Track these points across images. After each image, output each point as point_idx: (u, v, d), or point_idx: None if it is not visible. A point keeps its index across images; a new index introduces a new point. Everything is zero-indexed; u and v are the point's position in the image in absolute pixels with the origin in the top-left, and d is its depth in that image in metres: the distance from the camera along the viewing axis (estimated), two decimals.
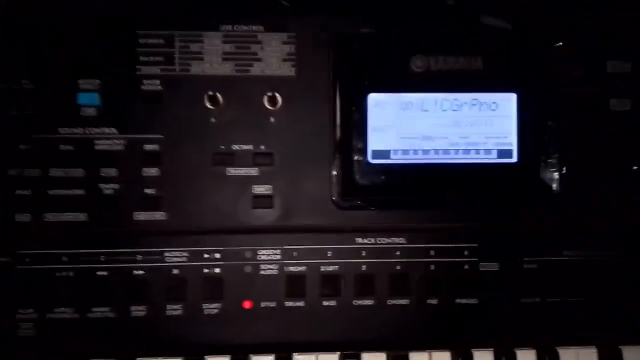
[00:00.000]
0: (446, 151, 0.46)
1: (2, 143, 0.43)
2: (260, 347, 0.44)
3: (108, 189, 0.43)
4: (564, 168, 0.46)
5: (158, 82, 0.43)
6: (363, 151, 0.46)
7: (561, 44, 0.46)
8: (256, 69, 0.44)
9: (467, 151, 0.47)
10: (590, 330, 0.46)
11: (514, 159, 0.46)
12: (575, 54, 0.46)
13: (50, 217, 0.43)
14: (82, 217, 0.43)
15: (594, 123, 0.46)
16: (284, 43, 0.44)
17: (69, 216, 0.43)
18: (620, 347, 0.46)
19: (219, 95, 0.43)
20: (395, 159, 0.46)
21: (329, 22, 0.45)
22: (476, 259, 0.45)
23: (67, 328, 0.43)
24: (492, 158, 0.47)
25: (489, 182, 0.46)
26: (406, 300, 0.45)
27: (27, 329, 0.43)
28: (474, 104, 0.47)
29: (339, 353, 0.44)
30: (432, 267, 0.45)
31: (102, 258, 0.44)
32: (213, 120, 0.44)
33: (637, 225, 0.46)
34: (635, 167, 0.45)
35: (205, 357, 0.43)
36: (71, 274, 0.43)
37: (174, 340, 0.44)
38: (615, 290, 0.46)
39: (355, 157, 0.46)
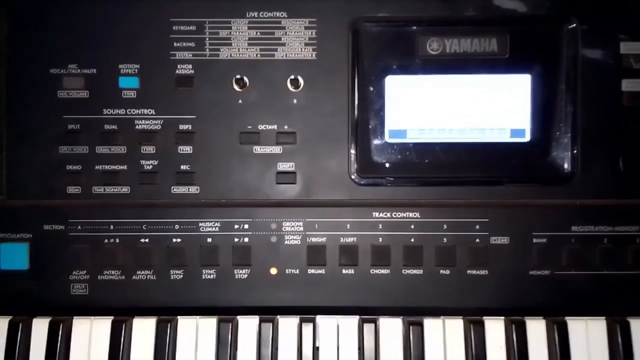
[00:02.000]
0: (461, 130, 0.48)
1: (54, 123, 0.47)
2: (286, 310, 0.48)
3: (148, 164, 0.47)
4: (575, 148, 0.47)
5: (190, 66, 0.47)
6: (381, 130, 0.48)
7: (575, 25, 0.46)
8: (280, 53, 0.47)
9: (481, 130, 0.49)
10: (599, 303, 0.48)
11: (527, 139, 0.48)
12: (588, 35, 0.46)
13: (97, 189, 0.48)
14: (125, 189, 0.47)
15: (605, 104, 0.47)
16: (306, 28, 0.47)
17: (113, 189, 0.48)
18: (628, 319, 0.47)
19: (245, 78, 0.47)
20: (412, 137, 0.48)
21: (347, 7, 0.47)
22: (487, 233, 0.47)
23: (114, 288, 0.48)
24: (505, 137, 0.48)
25: (502, 161, 0.48)
26: (420, 271, 0.48)
27: (80, 289, 0.48)
28: (489, 85, 0.48)
29: (358, 317, 0.48)
30: (445, 240, 0.48)
31: (144, 227, 0.48)
32: (240, 101, 0.47)
33: None
34: None
35: (238, 317, 0.48)
36: (117, 240, 0.48)
37: (208, 302, 0.48)
38: (623, 265, 0.47)
39: (373, 137, 0.48)
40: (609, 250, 0.47)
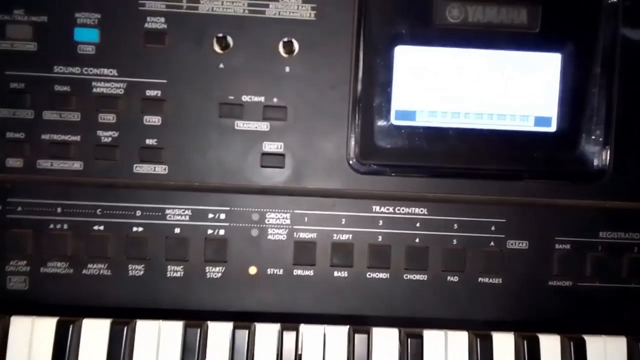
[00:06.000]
0: (478, 115, 0.43)
1: None
2: (265, 316, 0.42)
3: (106, 136, 0.41)
4: (608, 142, 0.42)
5: (163, 19, 0.41)
6: (386, 110, 0.42)
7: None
8: (272, 10, 0.41)
9: (501, 116, 0.43)
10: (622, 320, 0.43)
11: (553, 128, 0.43)
12: (631, 11, 0.41)
13: (43, 163, 0.41)
14: (77, 165, 0.41)
15: None
16: None
17: (63, 164, 0.41)
18: None
19: (229, 37, 0.41)
20: (421, 121, 0.43)
21: None
22: (503, 236, 0.42)
23: (60, 283, 0.41)
24: (529, 125, 0.43)
25: (524, 152, 0.43)
26: (424, 276, 0.42)
27: (18, 282, 0.41)
28: (514, 64, 0.42)
29: (348, 326, 0.42)
30: (455, 241, 0.42)
31: (99, 211, 0.41)
32: (222, 66, 0.41)
33: None
34: None
35: (208, 322, 0.42)
36: (65, 226, 0.41)
37: (173, 303, 0.42)
38: None
39: (377, 117, 0.42)
40: (639, 261, 0.42)
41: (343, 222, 0.42)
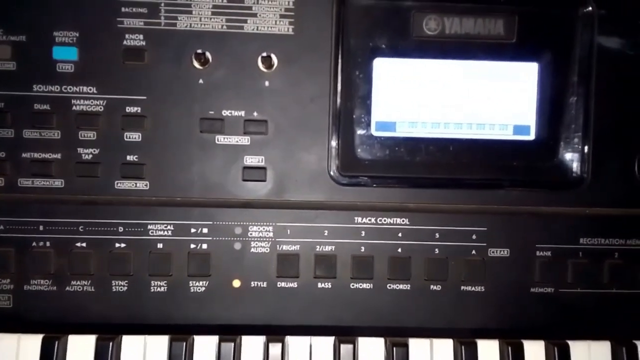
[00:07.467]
0: (458, 125, 0.43)
1: None
2: (250, 329, 0.42)
3: (87, 153, 0.41)
4: (586, 149, 0.42)
5: (141, 36, 0.41)
6: (366, 122, 0.42)
7: (591, 8, 0.41)
8: (250, 25, 0.41)
9: (480, 126, 0.43)
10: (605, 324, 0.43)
11: (532, 136, 0.43)
12: (606, 21, 0.41)
13: (24, 182, 0.41)
14: (58, 183, 0.41)
15: (623, 100, 0.42)
16: None
17: (44, 182, 0.41)
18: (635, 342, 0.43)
19: (208, 53, 0.41)
20: (402, 131, 0.43)
21: None
22: (485, 244, 0.42)
23: (44, 301, 0.41)
24: (508, 134, 0.43)
25: (503, 161, 0.43)
26: (407, 285, 0.42)
27: (2, 300, 0.41)
28: (491, 74, 0.42)
29: (334, 337, 0.42)
30: (437, 250, 0.42)
31: (81, 228, 0.41)
32: (201, 81, 0.41)
33: None
34: None
35: (194, 335, 0.42)
36: (48, 244, 0.41)
37: (157, 318, 0.41)
38: (635, 283, 0.43)
39: (357, 128, 0.42)
40: (619, 266, 0.42)
41: (326, 234, 0.42)
